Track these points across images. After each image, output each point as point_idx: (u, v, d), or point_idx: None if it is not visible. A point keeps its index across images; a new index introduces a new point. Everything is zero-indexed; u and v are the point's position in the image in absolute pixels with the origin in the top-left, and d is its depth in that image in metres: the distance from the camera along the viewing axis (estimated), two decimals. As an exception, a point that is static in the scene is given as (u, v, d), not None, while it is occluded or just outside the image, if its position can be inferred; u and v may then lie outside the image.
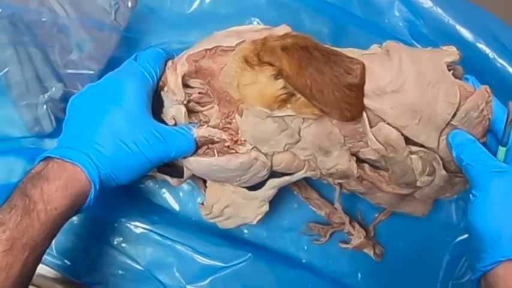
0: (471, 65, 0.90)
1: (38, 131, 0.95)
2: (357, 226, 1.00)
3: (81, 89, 0.91)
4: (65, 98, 0.92)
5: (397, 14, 1.00)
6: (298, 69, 0.72)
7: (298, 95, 0.74)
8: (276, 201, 0.95)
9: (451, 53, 0.79)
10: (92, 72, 0.92)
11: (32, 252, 0.71)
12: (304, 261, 1.03)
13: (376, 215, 1.04)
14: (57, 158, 0.76)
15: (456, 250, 1.02)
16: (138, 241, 0.98)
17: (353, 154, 0.83)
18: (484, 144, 0.78)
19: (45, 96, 0.93)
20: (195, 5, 1.02)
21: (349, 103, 0.73)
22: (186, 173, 0.87)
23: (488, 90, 0.77)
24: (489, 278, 0.72)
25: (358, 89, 0.74)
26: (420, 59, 0.77)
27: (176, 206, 1.02)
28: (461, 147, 0.76)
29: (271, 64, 0.74)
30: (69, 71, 0.92)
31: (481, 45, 0.98)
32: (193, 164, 0.82)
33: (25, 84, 0.92)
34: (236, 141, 0.81)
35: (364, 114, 0.77)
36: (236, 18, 1.00)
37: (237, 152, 0.81)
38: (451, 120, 0.77)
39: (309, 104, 0.74)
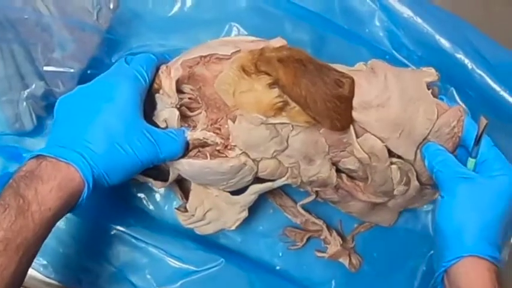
0: (450, 75, 1.03)
1: (18, 128, 1.00)
2: (334, 233, 1.06)
3: (62, 87, 0.98)
4: (46, 96, 0.99)
5: (377, 23, 1.06)
6: (293, 80, 0.83)
7: (293, 104, 0.85)
8: (252, 207, 1.00)
9: (431, 74, 0.92)
10: (72, 70, 0.97)
11: (26, 252, 0.74)
12: (278, 268, 1.08)
13: (356, 226, 1.10)
14: (51, 157, 0.79)
15: (432, 261, 1.07)
16: (112, 242, 1.04)
17: (333, 164, 0.93)
18: (455, 157, 0.90)
19: (26, 92, 0.98)
20: (176, 9, 1.07)
21: (340, 114, 0.85)
22: (172, 176, 0.95)
23: (461, 109, 0.90)
24: (451, 274, 0.83)
25: (347, 101, 0.86)
26: (403, 78, 0.90)
27: (152, 209, 1.08)
28: (433, 155, 0.88)
29: (267, 74, 0.85)
30: (51, 68, 0.97)
31: (460, 56, 1.03)
32: (185, 165, 0.91)
33: (7, 80, 0.97)
34: (226, 146, 0.90)
35: (351, 125, 0.88)
36: (217, 23, 1.07)
37: (227, 156, 0.89)
38: (422, 142, 0.89)
39: (303, 113, 0.85)
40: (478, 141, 0.86)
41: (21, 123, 1.00)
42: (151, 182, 0.98)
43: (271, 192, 1.06)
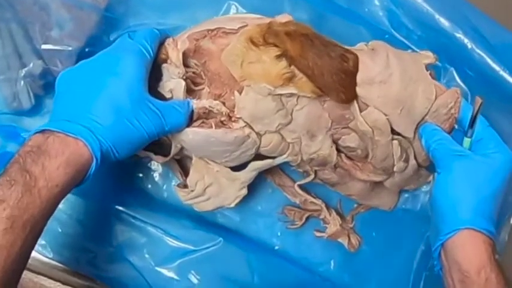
0: (449, 55, 1.05)
1: (16, 107, 1.01)
2: (333, 213, 1.08)
3: (60, 66, 0.99)
4: (44, 75, 1.00)
5: (377, 3, 1.07)
6: (301, 52, 0.87)
7: (300, 75, 0.87)
8: (251, 187, 1.02)
9: (429, 56, 0.96)
10: (70, 49, 0.98)
11: (32, 229, 0.75)
12: (277, 247, 1.10)
13: (355, 206, 1.11)
14: (58, 131, 0.79)
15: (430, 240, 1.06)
16: (110, 221, 1.05)
17: (334, 142, 0.96)
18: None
19: (24, 71, 0.99)
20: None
21: (345, 87, 0.89)
22: (174, 149, 0.96)
23: (458, 91, 0.93)
24: (448, 248, 0.85)
25: (352, 76, 0.89)
26: (403, 59, 0.94)
27: (151, 189, 1.09)
28: (430, 135, 0.92)
29: (275, 45, 0.87)
30: (49, 46, 0.98)
31: (460, 35, 1.04)
32: (190, 135, 0.91)
33: (5, 59, 0.98)
34: (230, 118, 0.91)
35: (355, 100, 0.91)
36: (216, 2, 1.08)
37: (231, 128, 0.91)
38: (421, 120, 0.93)
39: (309, 84, 0.88)
40: (473, 120, 0.89)
41: (19, 102, 1.01)
42: (152, 156, 0.98)
43: (270, 172, 1.08)
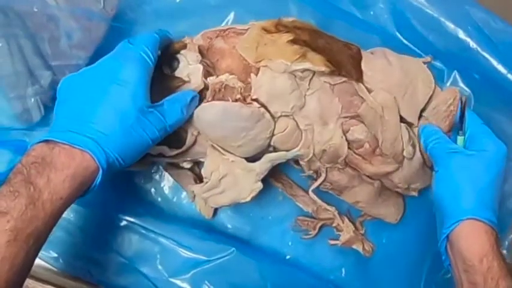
0: (453, 58, 1.08)
1: (26, 121, 1.01)
2: (346, 220, 1.08)
3: (70, 75, 1.01)
4: (52, 85, 1.00)
5: (382, 6, 1.09)
6: (312, 40, 0.93)
7: (314, 53, 0.92)
8: (260, 196, 1.02)
9: (426, 59, 1.02)
10: (80, 62, 1.00)
11: (36, 242, 0.75)
12: (288, 257, 1.10)
13: (363, 213, 1.11)
14: (63, 143, 0.79)
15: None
16: (122, 233, 1.05)
17: (343, 133, 0.98)
18: (449, 137, 0.98)
19: (35, 87, 0.99)
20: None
21: (354, 66, 0.95)
22: (190, 137, 0.97)
23: (457, 90, 0.99)
24: (452, 240, 0.89)
25: (358, 59, 0.96)
26: (402, 57, 1.01)
27: (161, 201, 1.10)
28: (427, 135, 0.97)
29: (288, 31, 0.93)
30: (58, 62, 0.99)
31: (464, 37, 1.07)
32: (207, 108, 0.93)
33: (16, 76, 0.98)
34: (245, 98, 0.93)
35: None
36: (224, 9, 1.10)
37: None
38: (425, 106, 0.99)
39: (323, 59, 0.92)
40: (462, 118, 0.96)
41: (29, 117, 1.01)
42: (165, 150, 0.98)
43: (281, 182, 1.10)
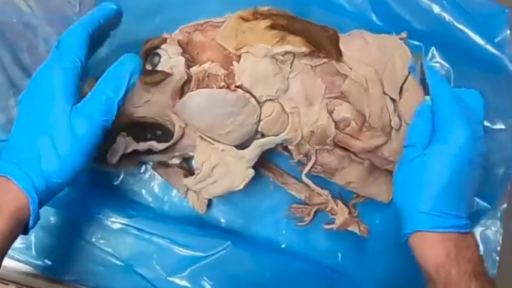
0: (430, 34, 1.10)
1: (10, 130, 0.96)
2: (339, 203, 1.07)
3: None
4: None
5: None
6: (290, 24, 0.94)
7: (293, 35, 0.93)
8: (251, 187, 1.02)
9: (401, 35, 1.04)
10: None
11: None
12: (283, 245, 1.09)
13: (354, 195, 1.11)
14: None
15: None
16: (117, 236, 1.05)
17: (329, 113, 0.99)
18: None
19: (17, 98, 0.95)
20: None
21: (333, 47, 0.96)
22: (178, 130, 0.97)
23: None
24: (410, 246, 0.87)
25: (336, 39, 0.97)
26: (378, 36, 1.02)
27: (151, 200, 1.10)
28: None
29: (265, 18, 0.94)
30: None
31: (439, 12, 1.07)
32: (193, 96, 0.93)
33: None
34: (229, 86, 0.94)
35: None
36: (198, 3, 1.11)
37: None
38: (405, 80, 0.99)
39: (303, 40, 0.93)
40: (423, 80, 0.94)
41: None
42: (154, 144, 0.99)
43: (271, 171, 1.10)
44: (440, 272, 0.81)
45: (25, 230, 0.81)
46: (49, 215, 1.03)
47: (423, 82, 0.94)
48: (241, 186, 0.99)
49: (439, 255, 0.81)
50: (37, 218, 0.80)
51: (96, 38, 0.88)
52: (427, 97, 0.92)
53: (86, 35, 0.84)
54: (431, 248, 0.82)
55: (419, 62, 0.96)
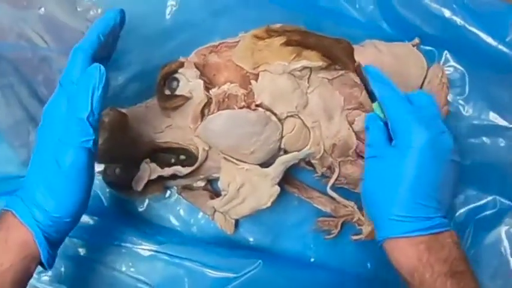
0: (443, 38, 1.08)
1: None
2: (365, 213, 1.07)
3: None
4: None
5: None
6: (304, 39, 0.94)
7: (309, 50, 0.94)
8: (276, 204, 1.01)
9: (414, 42, 1.07)
10: None
11: None
12: (312, 259, 1.09)
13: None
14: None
15: (457, 223, 1.08)
16: (147, 263, 1.03)
17: (349, 125, 0.99)
18: (448, 115, 1.04)
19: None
20: (168, 16, 1.10)
21: (348, 58, 0.95)
22: (202, 153, 0.98)
23: (441, 65, 1.09)
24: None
25: (351, 53, 0.95)
26: (390, 44, 1.05)
27: (178, 224, 1.09)
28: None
29: (280, 35, 0.94)
30: None
31: (450, 15, 1.05)
32: (214, 119, 0.94)
33: (17, 126, 0.99)
34: (249, 106, 0.94)
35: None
36: (210, 20, 1.11)
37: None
38: (421, 87, 1.03)
39: (319, 54, 0.93)
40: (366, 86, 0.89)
41: None
42: (179, 169, 0.99)
43: (296, 187, 1.09)
44: (415, 276, 0.79)
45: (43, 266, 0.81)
46: (77, 246, 1.03)
47: (367, 88, 0.88)
48: (268, 204, 0.99)
49: (410, 260, 0.79)
50: (50, 253, 0.79)
51: (103, 50, 0.86)
52: (375, 104, 0.87)
53: (85, 59, 0.81)
54: (403, 254, 0.80)
55: (359, 67, 0.89)
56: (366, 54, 1.00)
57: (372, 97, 0.87)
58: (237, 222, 1.07)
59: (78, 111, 0.77)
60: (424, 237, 0.79)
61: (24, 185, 0.80)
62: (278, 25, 0.97)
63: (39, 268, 0.80)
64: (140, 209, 1.09)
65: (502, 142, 1.06)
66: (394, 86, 0.86)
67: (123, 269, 1.03)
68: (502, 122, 1.06)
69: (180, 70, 0.96)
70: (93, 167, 0.82)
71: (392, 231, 0.81)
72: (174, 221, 1.09)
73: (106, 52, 0.88)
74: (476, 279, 0.80)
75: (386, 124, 0.85)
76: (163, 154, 1.01)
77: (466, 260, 0.80)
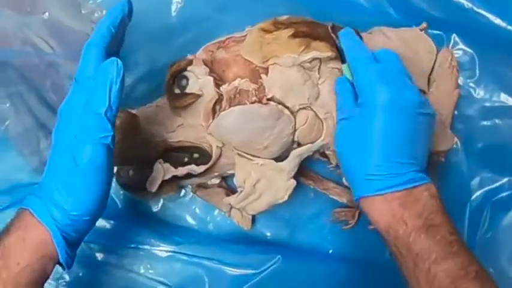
0: (451, 22, 1.08)
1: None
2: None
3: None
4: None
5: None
6: (312, 30, 0.94)
7: (318, 41, 0.93)
8: (292, 197, 0.99)
9: (421, 26, 1.07)
10: None
11: None
12: (331, 251, 1.08)
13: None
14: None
15: (474, 206, 1.06)
16: (166, 264, 1.03)
17: None
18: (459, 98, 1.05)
19: (48, 139, 0.99)
20: (173, 13, 1.10)
21: None
22: (216, 150, 0.97)
23: (450, 49, 1.09)
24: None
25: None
26: (398, 30, 1.04)
27: (194, 223, 1.08)
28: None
29: (287, 27, 0.93)
30: None
31: (463, 0, 1.05)
32: (226, 115, 0.92)
33: (28, 134, 0.98)
34: (260, 100, 0.92)
35: None
36: (216, 16, 1.10)
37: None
38: (431, 73, 1.03)
39: (328, 44, 0.93)
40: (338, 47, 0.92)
41: None
42: (193, 168, 0.98)
43: (312, 179, 1.08)
44: (390, 232, 0.80)
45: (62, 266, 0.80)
46: (94, 251, 1.03)
47: (341, 50, 0.92)
48: (285, 198, 0.98)
49: (384, 217, 0.81)
50: (68, 253, 0.78)
51: (114, 43, 0.84)
52: (344, 66, 0.91)
53: (98, 53, 0.80)
54: (377, 211, 0.82)
55: (334, 28, 0.94)
56: (375, 41, 0.99)
57: (344, 59, 0.91)
58: (253, 217, 1.07)
59: (95, 106, 0.76)
60: (397, 193, 0.81)
61: (41, 184, 0.79)
62: (285, 17, 0.97)
63: (58, 274, 0.79)
64: (155, 210, 1.08)
65: (514, 123, 1.07)
66: (362, 45, 0.89)
67: (142, 271, 1.03)
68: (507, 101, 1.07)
69: (188, 68, 0.95)
70: (111, 164, 0.80)
71: (366, 190, 0.83)
72: (190, 220, 1.08)
73: (116, 46, 0.86)
74: (457, 230, 0.80)
75: (353, 85, 0.88)
76: (176, 153, 1.00)
77: (444, 212, 0.80)
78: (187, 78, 0.95)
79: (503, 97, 1.06)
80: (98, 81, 0.76)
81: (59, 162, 0.78)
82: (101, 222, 1.02)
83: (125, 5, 0.84)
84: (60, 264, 0.79)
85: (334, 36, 0.93)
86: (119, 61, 0.76)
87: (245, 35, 0.97)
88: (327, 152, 1.01)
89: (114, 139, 0.78)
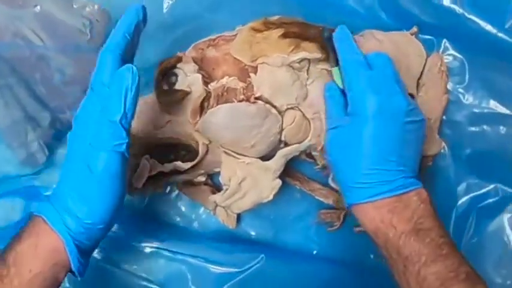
0: (443, 27, 1.07)
1: (32, 164, 1.01)
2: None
3: (68, 113, 1.00)
4: (52, 124, 1.00)
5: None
6: (302, 31, 0.93)
7: (307, 42, 0.93)
8: (278, 197, 1.00)
9: (412, 30, 1.06)
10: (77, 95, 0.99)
11: None
12: (315, 252, 1.08)
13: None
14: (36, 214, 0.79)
15: (460, 212, 1.06)
16: (149, 260, 1.03)
17: None
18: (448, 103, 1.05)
19: (36, 131, 0.99)
20: (165, 11, 1.10)
21: None
22: (202, 147, 0.97)
23: (440, 54, 1.08)
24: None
25: None
26: (389, 34, 1.03)
27: (179, 220, 1.08)
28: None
29: (278, 27, 0.93)
30: (55, 100, 0.99)
31: (449, 4, 1.05)
32: (214, 112, 0.92)
33: (16, 126, 0.98)
34: (248, 99, 0.93)
35: None
36: (207, 14, 1.10)
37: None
38: (420, 77, 1.02)
39: (317, 45, 0.93)
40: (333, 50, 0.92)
41: (35, 160, 1.01)
42: (179, 164, 0.98)
43: (298, 180, 1.08)
44: (380, 236, 0.82)
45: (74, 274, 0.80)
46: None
47: (334, 53, 0.92)
48: (270, 197, 0.98)
49: (374, 224, 0.82)
50: (81, 261, 0.78)
51: (130, 49, 0.83)
52: (334, 69, 0.91)
53: (114, 60, 0.79)
54: (367, 218, 0.83)
55: (325, 32, 0.93)
56: (366, 44, 0.98)
57: (335, 61, 0.92)
58: (238, 216, 1.07)
59: (110, 114, 0.76)
60: (387, 200, 0.82)
61: (55, 192, 0.79)
62: (276, 17, 0.97)
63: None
64: (141, 206, 1.08)
65: (502, 130, 1.05)
66: (355, 48, 0.88)
67: (125, 266, 1.03)
68: (503, 110, 1.05)
69: (178, 65, 0.96)
70: (126, 172, 0.80)
71: (357, 198, 0.84)
72: (175, 217, 1.08)
73: (131, 52, 0.85)
74: (447, 233, 0.81)
75: (343, 92, 0.89)
76: (162, 150, 1.00)
77: (434, 216, 0.81)
78: (176, 75, 0.95)
79: (493, 104, 1.06)
80: (113, 89, 0.76)
81: (73, 170, 0.78)
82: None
83: (139, 10, 0.83)
84: (72, 272, 0.79)
85: (326, 38, 0.92)
86: (134, 68, 0.76)
87: (235, 34, 0.97)
88: (314, 153, 1.01)
89: (128, 146, 0.78)
